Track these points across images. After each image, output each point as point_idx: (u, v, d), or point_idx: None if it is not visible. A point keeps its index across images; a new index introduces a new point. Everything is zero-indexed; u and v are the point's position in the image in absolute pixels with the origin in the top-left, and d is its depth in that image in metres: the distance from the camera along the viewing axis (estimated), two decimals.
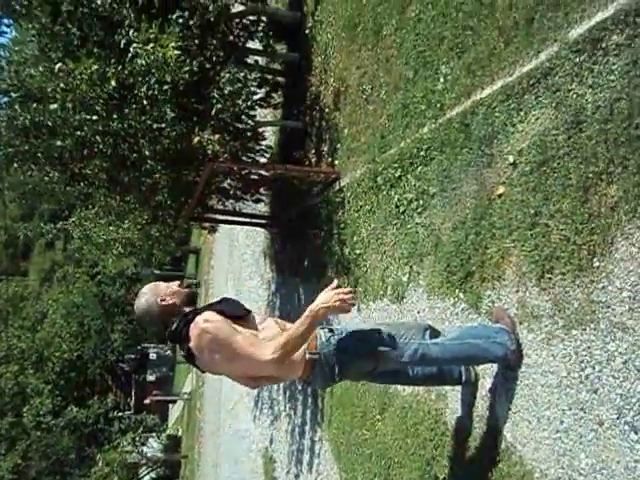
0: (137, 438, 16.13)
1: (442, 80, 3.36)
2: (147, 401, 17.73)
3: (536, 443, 2.36)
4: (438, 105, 3.39)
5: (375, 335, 2.36)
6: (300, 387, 5.86)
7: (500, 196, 2.74)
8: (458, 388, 2.88)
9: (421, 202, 3.52)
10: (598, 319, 2.11)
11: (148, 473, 16.33)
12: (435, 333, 2.52)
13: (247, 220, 6.88)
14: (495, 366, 2.64)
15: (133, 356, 20.08)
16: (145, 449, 16.39)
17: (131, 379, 20.55)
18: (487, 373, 2.72)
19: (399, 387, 3.54)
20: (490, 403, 2.67)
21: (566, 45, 2.39)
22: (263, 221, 6.94)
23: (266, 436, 7.14)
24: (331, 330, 2.36)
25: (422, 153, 3.55)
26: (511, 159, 2.70)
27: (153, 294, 2.30)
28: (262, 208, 7.23)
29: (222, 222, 6.97)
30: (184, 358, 2.36)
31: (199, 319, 2.17)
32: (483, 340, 2.41)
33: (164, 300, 2.28)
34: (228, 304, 2.31)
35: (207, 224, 6.99)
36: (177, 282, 2.41)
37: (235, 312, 2.25)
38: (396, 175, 3.88)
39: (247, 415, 8.37)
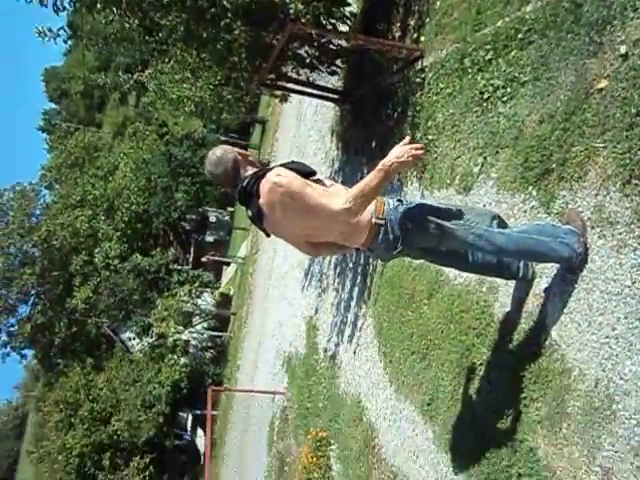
0: (193, 291, 17.47)
1: None
2: (204, 259, 18.88)
3: (581, 345, 2.38)
4: None
5: (444, 210, 2.35)
6: (351, 264, 6.04)
7: (600, 90, 2.51)
8: (512, 283, 2.88)
9: (509, 90, 3.29)
10: None
11: (200, 323, 17.87)
12: (502, 224, 2.48)
13: (319, 93, 6.68)
14: (555, 267, 2.61)
15: (194, 217, 21.06)
16: (199, 301, 17.80)
17: (191, 238, 21.76)
18: (545, 273, 2.69)
19: (450, 275, 3.58)
20: (542, 302, 2.68)
21: None
22: (335, 96, 6.72)
23: (312, 306, 7.54)
24: (400, 200, 2.36)
25: (520, 35, 3.24)
26: (623, 50, 2.43)
27: (228, 147, 2.36)
28: (336, 82, 6.98)
29: (294, 91, 6.79)
30: (251, 220, 2.40)
31: (271, 174, 2.20)
32: (551, 239, 2.35)
33: (239, 151, 2.33)
34: (297, 164, 2.33)
35: (279, 92, 6.84)
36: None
37: (304, 169, 2.28)
38: (486, 58, 3.60)
39: (296, 285, 8.80)
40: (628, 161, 2.27)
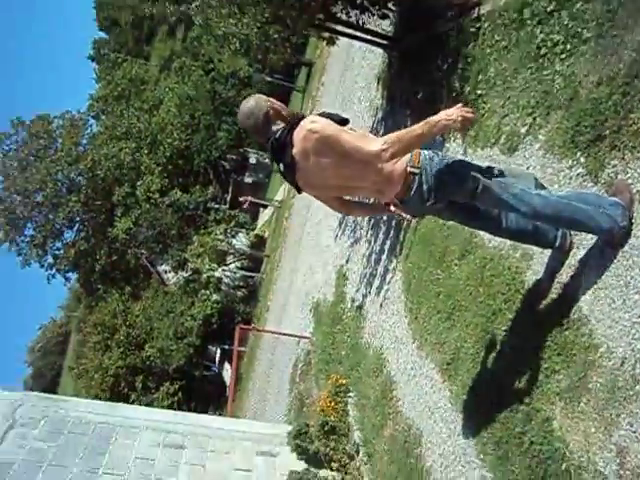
0: (229, 230, 17.75)
1: None
2: (242, 199, 19.06)
3: (612, 322, 2.31)
4: None
5: (479, 166, 2.27)
6: (385, 217, 5.97)
7: None
8: (547, 252, 2.79)
9: (568, 46, 3.07)
10: None
11: (234, 262, 18.25)
12: (542, 188, 2.37)
13: (368, 37, 6.42)
14: (594, 239, 2.50)
15: (235, 157, 21.09)
16: (234, 241, 18.11)
17: (230, 177, 21.90)
18: (583, 245, 2.59)
19: (485, 238, 3.49)
20: (576, 273, 2.59)
21: None
22: (384, 41, 6.45)
23: (344, 255, 7.56)
24: (436, 153, 2.29)
25: None
26: None
27: (262, 99, 2.31)
28: (387, 26, 6.68)
29: (342, 34, 6.54)
30: (282, 175, 2.38)
31: (305, 121, 2.16)
32: (593, 208, 2.24)
33: (273, 104, 2.28)
34: (331, 114, 2.27)
35: (327, 34, 6.60)
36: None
37: (340, 118, 2.24)
38: (548, 9, 3.36)
39: (330, 233, 8.81)
40: None
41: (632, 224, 2.29)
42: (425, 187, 2.22)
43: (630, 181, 2.37)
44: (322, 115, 2.23)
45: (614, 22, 2.73)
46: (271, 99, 2.34)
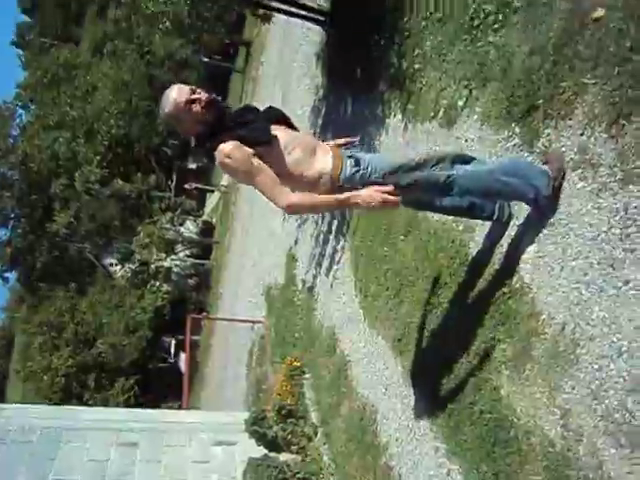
0: (175, 218, 17.32)
1: None
2: (187, 186, 18.61)
3: (552, 289, 2.35)
4: None
5: (402, 165, 2.23)
6: None
7: (596, 20, 2.33)
8: (488, 224, 2.82)
9: (500, 17, 3.07)
10: None
11: (183, 250, 17.86)
12: (466, 159, 2.38)
13: (304, 13, 6.29)
14: (530, 208, 2.53)
15: (176, 142, 20.50)
16: (182, 229, 17.71)
17: (173, 164, 21.30)
18: (522, 214, 2.62)
19: (428, 212, 3.50)
20: (516, 243, 2.62)
21: None
22: (321, 17, 6.34)
23: (292, 236, 7.49)
24: (357, 163, 2.20)
25: None
26: None
27: (177, 96, 2.17)
28: (323, 2, 6.57)
29: (277, 10, 6.40)
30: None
31: (221, 151, 2.13)
32: (518, 180, 2.27)
33: (186, 103, 2.17)
34: (251, 129, 2.16)
35: (261, 11, 6.43)
36: (205, 94, 2.21)
37: (259, 138, 2.16)
38: None
39: (277, 215, 8.71)
40: (617, 99, 2.14)
41: (558, 195, 2.33)
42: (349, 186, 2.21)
43: (563, 149, 2.41)
44: (243, 131, 2.15)
45: None
46: (184, 89, 2.19)
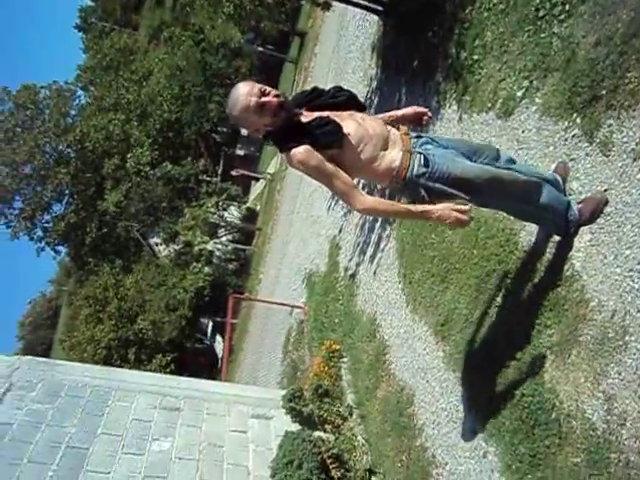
0: (220, 203, 17.71)
1: None
2: (233, 172, 18.96)
3: (604, 277, 2.37)
4: None
5: (469, 177, 2.24)
6: (379, 186, 5.98)
7: None
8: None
9: (567, 7, 3.07)
10: None
11: (226, 235, 18.25)
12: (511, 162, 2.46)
13: (363, 2, 6.35)
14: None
15: (226, 129, 20.91)
16: (226, 214, 18.08)
17: (221, 150, 21.73)
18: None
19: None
20: (567, 230, 2.63)
21: None
22: (379, 7, 6.39)
23: (337, 225, 7.59)
24: (426, 163, 2.21)
25: None
26: None
27: (246, 94, 2.10)
28: None
29: None
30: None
31: (293, 157, 2.12)
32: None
33: (257, 100, 2.10)
34: (322, 134, 2.12)
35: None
36: (275, 95, 2.13)
37: (331, 143, 2.13)
38: None
39: (322, 204, 8.82)
40: None
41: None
42: (414, 193, 2.26)
43: (625, 139, 2.41)
44: (317, 130, 2.12)
45: None
46: (256, 88, 2.11)
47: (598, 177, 2.52)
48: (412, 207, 2.17)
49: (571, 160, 2.73)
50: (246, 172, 19.10)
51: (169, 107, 20.58)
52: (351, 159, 2.19)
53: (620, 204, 2.37)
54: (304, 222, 10.30)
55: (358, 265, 6.18)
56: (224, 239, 18.13)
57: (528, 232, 3.00)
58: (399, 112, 2.54)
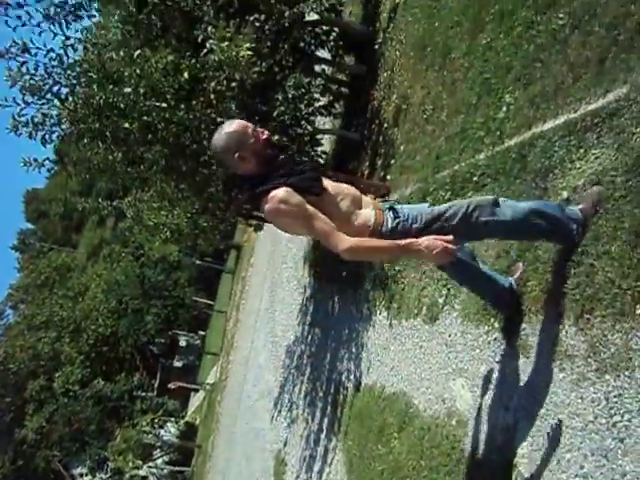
0: (156, 420, 16.46)
1: (504, 109, 3.36)
2: (171, 386, 18.07)
3: None
4: (497, 133, 3.39)
5: (442, 210, 2.30)
6: (321, 394, 5.88)
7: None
8: (479, 418, 2.85)
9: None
10: (634, 367, 2.06)
11: (161, 456, 16.62)
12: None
13: None
14: (516, 399, 2.61)
15: (163, 340, 20.53)
16: (162, 432, 16.70)
17: (158, 362, 21.01)
18: (510, 407, 2.69)
19: (420, 407, 3.52)
20: (510, 438, 2.64)
21: (636, 88, 2.37)
22: None
23: (281, 438, 7.19)
24: (396, 215, 2.28)
25: (475, 179, 3.55)
26: (565, 195, 2.67)
27: (239, 132, 2.22)
28: None
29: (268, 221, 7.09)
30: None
31: (274, 197, 2.14)
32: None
33: (253, 137, 2.23)
34: (302, 179, 2.20)
35: (254, 221, 7.13)
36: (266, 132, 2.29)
37: (311, 188, 2.21)
38: (445, 197, 3.88)
39: (265, 414, 8.44)
40: (579, 297, 2.40)
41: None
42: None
43: (538, 341, 2.59)
44: (296, 180, 2.18)
45: None
46: (249, 131, 2.23)
47: (523, 378, 2.63)
48: (398, 242, 2.14)
49: (497, 363, 2.87)
50: (184, 384, 18.29)
51: (104, 321, 20.30)
52: (330, 208, 2.20)
53: (550, 405, 2.43)
54: (247, 435, 9.68)
55: None
56: (159, 461, 16.46)
57: (470, 437, 2.96)
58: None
